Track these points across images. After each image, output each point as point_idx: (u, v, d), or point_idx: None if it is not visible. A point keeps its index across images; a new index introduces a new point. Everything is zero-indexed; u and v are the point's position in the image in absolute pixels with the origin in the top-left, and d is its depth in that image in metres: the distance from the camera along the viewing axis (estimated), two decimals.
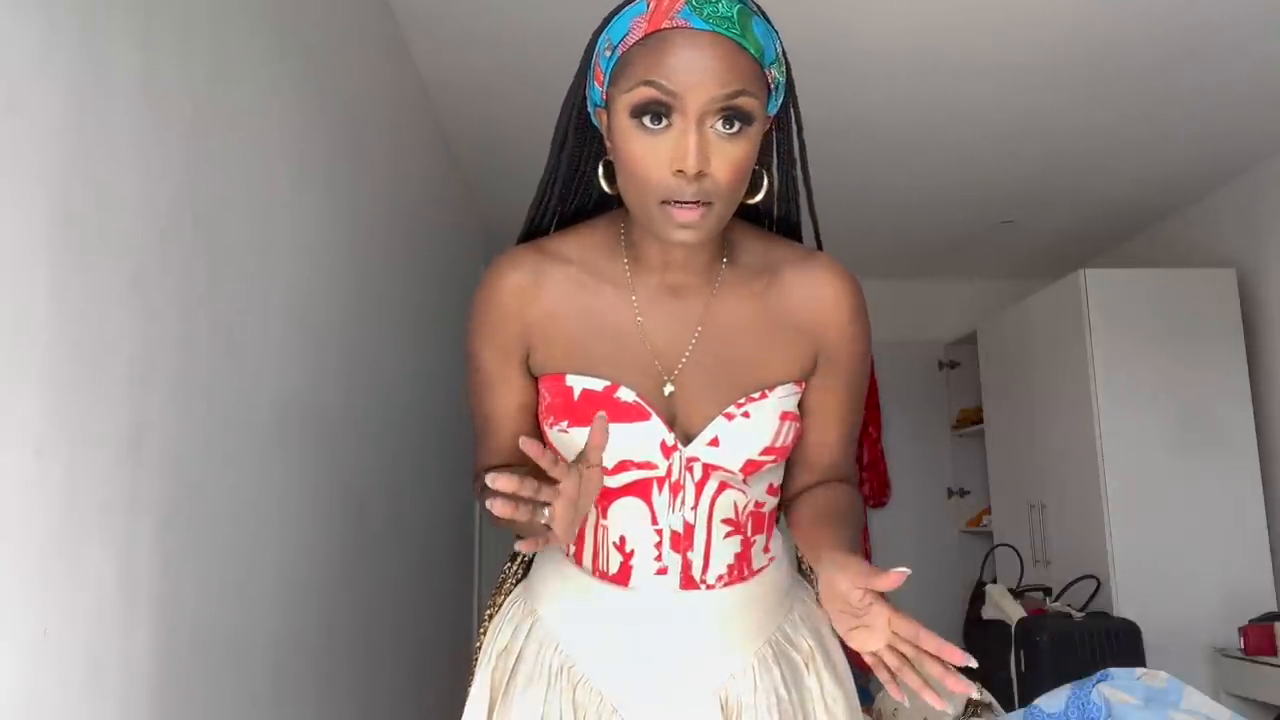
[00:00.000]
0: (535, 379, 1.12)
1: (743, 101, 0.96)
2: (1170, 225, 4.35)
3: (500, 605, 1.22)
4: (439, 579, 3.19)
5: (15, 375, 0.95)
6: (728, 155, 0.97)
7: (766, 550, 1.15)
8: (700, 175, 0.96)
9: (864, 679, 4.35)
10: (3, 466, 0.93)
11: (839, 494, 1.14)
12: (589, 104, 1.08)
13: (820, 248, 1.17)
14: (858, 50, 2.76)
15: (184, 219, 1.31)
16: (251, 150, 1.56)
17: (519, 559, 1.24)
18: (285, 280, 1.71)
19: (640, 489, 1.08)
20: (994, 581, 3.92)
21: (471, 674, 1.21)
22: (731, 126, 0.97)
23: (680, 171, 0.96)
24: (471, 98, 3.01)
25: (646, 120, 0.97)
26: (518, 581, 1.23)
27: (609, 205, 1.14)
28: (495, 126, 3.20)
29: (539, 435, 1.14)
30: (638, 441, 1.06)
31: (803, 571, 1.29)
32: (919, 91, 3.03)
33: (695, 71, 0.95)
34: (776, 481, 1.16)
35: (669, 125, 0.96)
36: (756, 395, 1.08)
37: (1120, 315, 3.75)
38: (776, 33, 1.04)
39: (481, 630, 1.23)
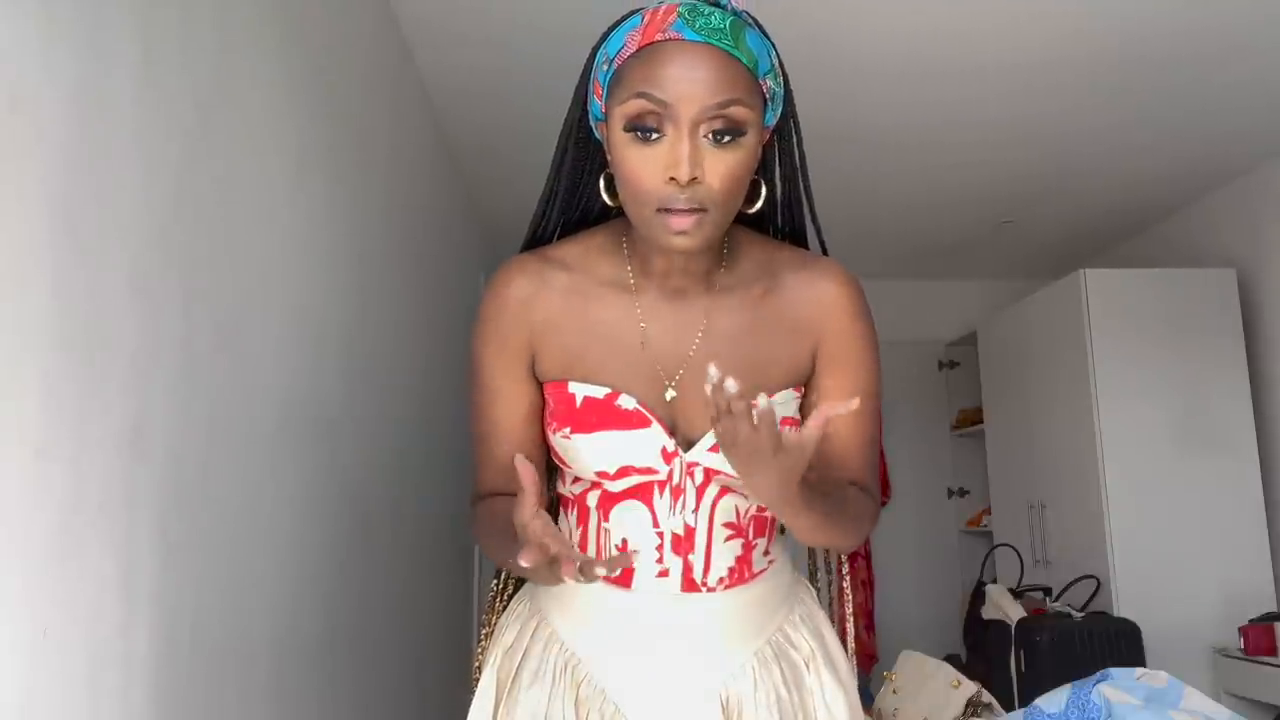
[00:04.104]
0: (540, 385, 1.12)
1: (735, 111, 0.97)
2: (1170, 225, 4.35)
3: (494, 623, 1.23)
4: (439, 579, 3.19)
5: (15, 375, 0.95)
6: (721, 164, 0.98)
7: (767, 554, 1.16)
8: (694, 182, 0.97)
9: (865, 679, 4.36)
10: (3, 466, 0.93)
11: (843, 487, 1.10)
12: (590, 118, 1.09)
13: (826, 255, 1.18)
14: (859, 53, 2.76)
15: (184, 218, 1.31)
16: (253, 150, 1.56)
17: (504, 575, 1.25)
18: (286, 280, 1.71)
19: (642, 493, 1.09)
20: (994, 581, 3.93)
21: (471, 675, 1.21)
22: (724, 136, 0.98)
23: (673, 179, 0.96)
24: (473, 100, 3.01)
25: (640, 132, 0.98)
26: (508, 600, 1.24)
27: (610, 217, 1.15)
28: (496, 129, 3.20)
29: (544, 443, 1.14)
30: (639, 447, 1.07)
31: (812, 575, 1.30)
32: (920, 93, 3.03)
33: (686, 82, 0.96)
34: None
35: (662, 136, 0.98)
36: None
37: (1120, 315, 3.75)
38: (772, 45, 1.05)
39: (481, 642, 1.24)
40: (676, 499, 1.09)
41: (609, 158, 1.04)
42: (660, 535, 1.09)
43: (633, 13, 1.03)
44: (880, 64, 2.83)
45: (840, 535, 1.12)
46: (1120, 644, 3.23)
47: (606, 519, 1.11)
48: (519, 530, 0.88)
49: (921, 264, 4.99)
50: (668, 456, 1.08)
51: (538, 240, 1.17)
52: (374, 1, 2.34)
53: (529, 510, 0.88)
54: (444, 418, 3.08)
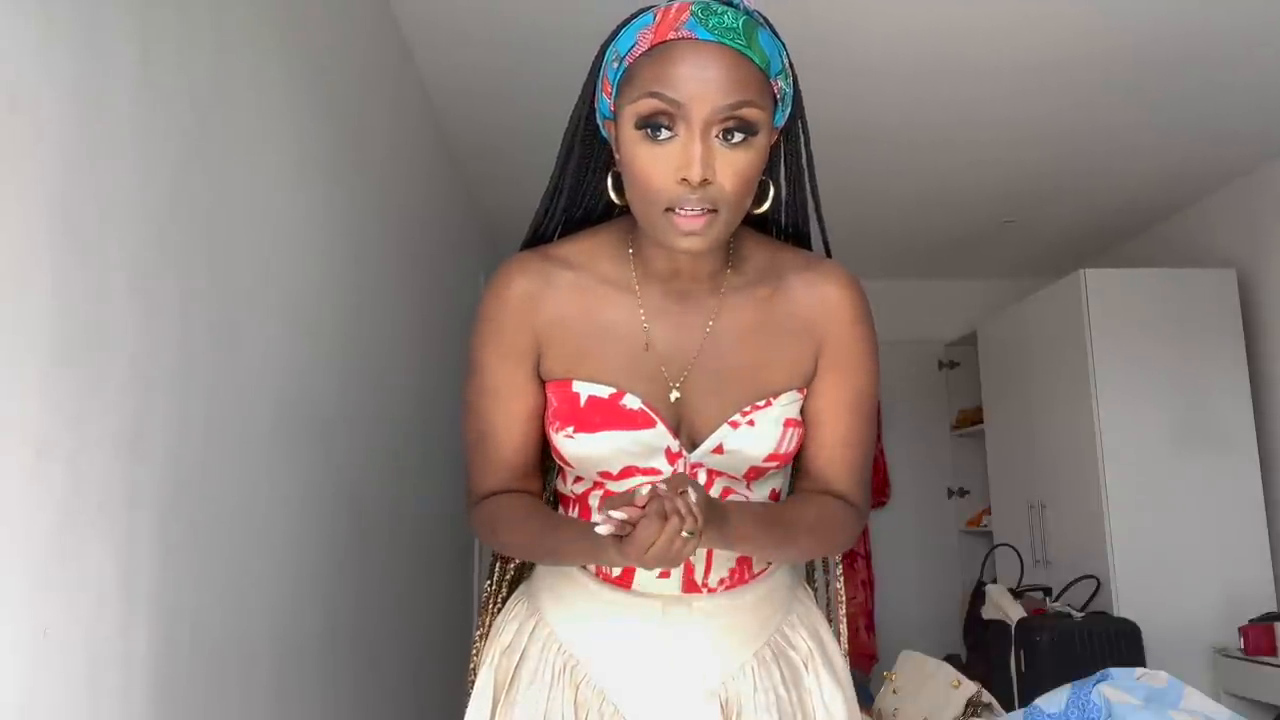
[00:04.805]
0: (543, 385, 1.12)
1: (747, 112, 0.97)
2: (1170, 225, 4.35)
3: (488, 623, 1.22)
4: (439, 578, 3.19)
5: (15, 375, 0.95)
6: (732, 165, 0.97)
7: None
8: (705, 183, 0.96)
9: (864, 679, 4.37)
10: (3, 466, 0.93)
11: (816, 504, 1.11)
12: (598, 116, 1.09)
13: (829, 256, 1.18)
14: (861, 53, 2.76)
15: (184, 218, 1.31)
16: (252, 151, 1.56)
17: (497, 575, 1.25)
18: (285, 280, 1.71)
19: None
20: (994, 581, 3.92)
21: (469, 675, 1.21)
22: (736, 137, 0.97)
23: (684, 180, 0.96)
24: (473, 100, 3.01)
25: (651, 130, 0.97)
26: (503, 600, 1.23)
27: (610, 217, 1.14)
28: (497, 128, 3.20)
29: (543, 443, 1.14)
30: (643, 447, 1.07)
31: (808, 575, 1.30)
32: (921, 94, 3.03)
33: (699, 81, 0.96)
34: (779, 486, 1.16)
35: (674, 135, 0.97)
36: (761, 403, 1.08)
37: (1120, 315, 3.75)
38: (783, 45, 1.04)
39: (477, 642, 1.23)
40: None
41: (617, 156, 1.04)
42: None
43: (643, 10, 1.02)
44: (883, 63, 2.83)
45: (797, 555, 1.13)
46: (1120, 644, 3.23)
47: None
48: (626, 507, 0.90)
49: (922, 263, 4.99)
50: (672, 457, 1.08)
51: (539, 238, 1.16)
52: (374, 1, 2.34)
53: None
54: (443, 417, 3.08)
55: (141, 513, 1.19)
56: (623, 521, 0.89)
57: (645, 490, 0.90)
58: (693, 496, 0.90)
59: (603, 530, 0.89)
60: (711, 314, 1.10)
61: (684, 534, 0.89)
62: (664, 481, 0.92)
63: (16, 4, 0.95)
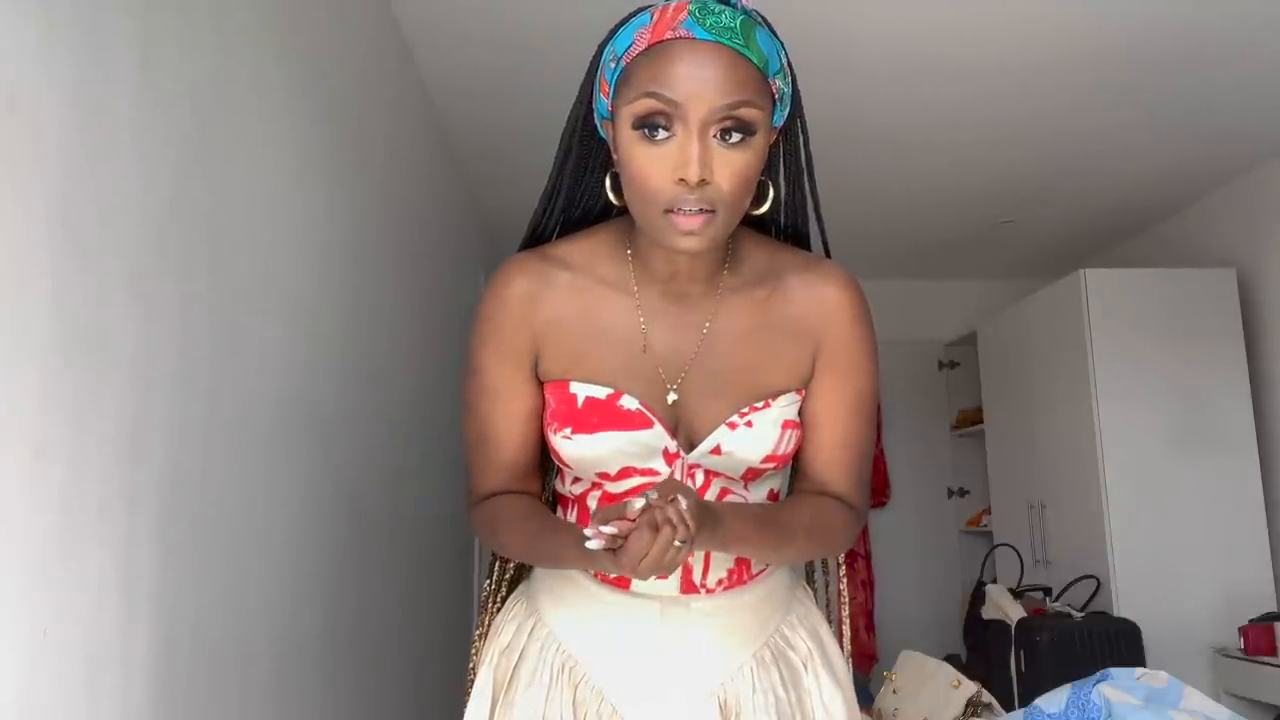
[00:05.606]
0: (541, 385, 1.12)
1: (744, 112, 0.96)
2: (1170, 225, 4.35)
3: (488, 623, 1.22)
4: (439, 579, 3.19)
5: (15, 375, 0.95)
6: (730, 165, 0.97)
7: None
8: (703, 183, 0.96)
9: (864, 679, 4.36)
10: (3, 466, 0.93)
11: (813, 505, 1.11)
12: (595, 116, 1.08)
13: (828, 257, 1.18)
14: (859, 54, 2.76)
15: (184, 219, 1.31)
16: (252, 151, 1.56)
17: (496, 575, 1.25)
18: (285, 281, 1.71)
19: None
20: (994, 581, 3.93)
21: (468, 675, 1.21)
22: (734, 136, 0.97)
23: (682, 180, 0.96)
24: (474, 100, 3.01)
25: (649, 130, 0.97)
26: (502, 600, 1.24)
27: (608, 217, 1.14)
28: (498, 128, 3.20)
29: (542, 444, 1.14)
30: (641, 448, 1.07)
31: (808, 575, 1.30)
32: (920, 94, 3.04)
33: (696, 81, 0.95)
34: (777, 487, 1.16)
35: (671, 135, 0.97)
36: (759, 405, 1.08)
37: (1120, 315, 3.75)
38: (782, 44, 1.04)
39: (476, 642, 1.23)
40: None
41: (615, 156, 1.03)
42: None
43: (641, 10, 1.02)
44: (883, 63, 2.83)
45: (795, 556, 1.13)
46: (1120, 644, 3.23)
47: None
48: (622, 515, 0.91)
49: (921, 264, 4.99)
50: (669, 458, 1.08)
51: (537, 238, 1.16)
52: (374, 3, 2.34)
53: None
54: (443, 417, 3.08)
55: (141, 513, 1.19)
56: (613, 535, 0.89)
57: (637, 504, 0.89)
58: (683, 504, 0.90)
59: (593, 545, 0.89)
60: (709, 315, 1.09)
61: (676, 543, 0.88)
62: (656, 487, 0.92)
63: (16, 5, 0.95)
